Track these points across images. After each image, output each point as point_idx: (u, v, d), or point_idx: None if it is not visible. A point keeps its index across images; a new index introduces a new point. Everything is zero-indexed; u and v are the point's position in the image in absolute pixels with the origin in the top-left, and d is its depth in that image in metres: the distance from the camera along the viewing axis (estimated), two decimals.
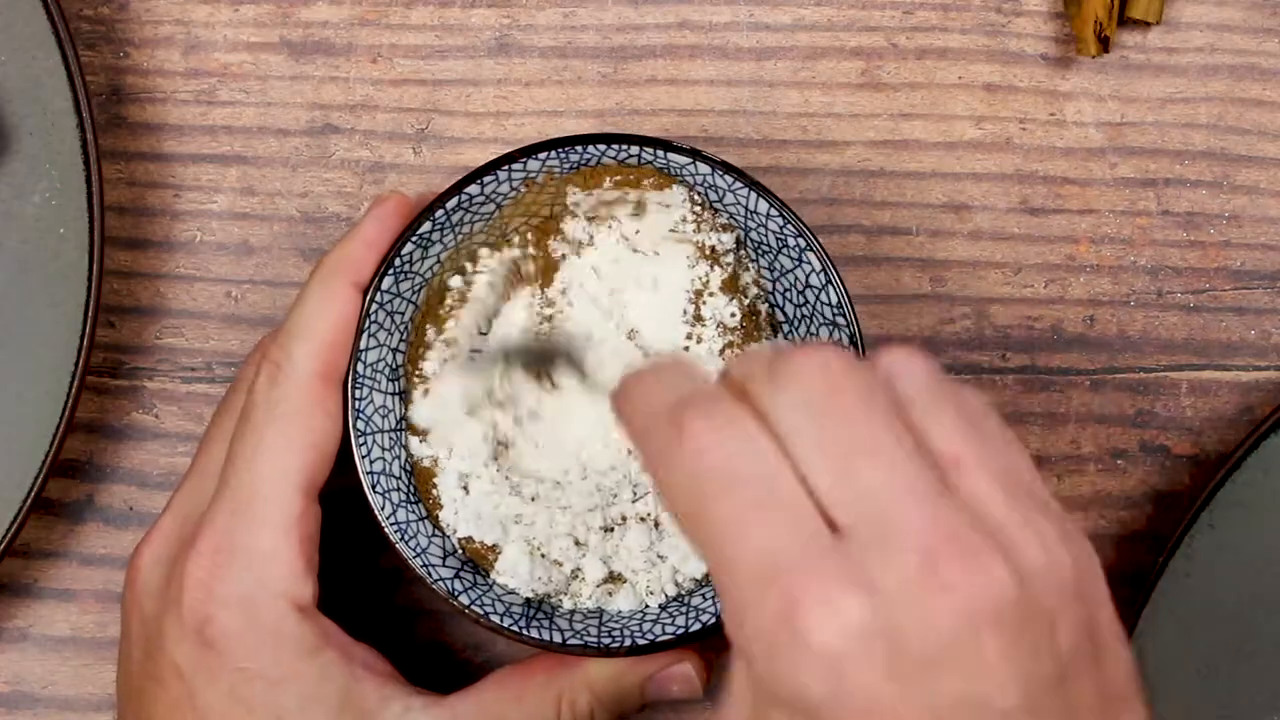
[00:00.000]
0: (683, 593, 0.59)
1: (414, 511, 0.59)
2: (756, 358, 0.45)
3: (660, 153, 0.58)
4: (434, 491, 0.59)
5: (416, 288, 0.59)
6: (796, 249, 0.58)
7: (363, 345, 0.58)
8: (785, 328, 0.61)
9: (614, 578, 0.59)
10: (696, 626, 0.58)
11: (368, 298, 0.57)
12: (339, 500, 0.59)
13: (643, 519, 0.60)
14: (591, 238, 0.60)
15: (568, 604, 0.59)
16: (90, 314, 0.61)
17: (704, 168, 0.58)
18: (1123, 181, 0.66)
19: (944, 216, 0.66)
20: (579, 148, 0.58)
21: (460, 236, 0.59)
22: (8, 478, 0.61)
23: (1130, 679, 0.45)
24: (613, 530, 0.59)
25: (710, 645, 0.64)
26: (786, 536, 0.42)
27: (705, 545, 0.44)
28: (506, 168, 0.58)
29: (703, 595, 0.59)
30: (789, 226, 0.58)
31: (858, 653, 0.41)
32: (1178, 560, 0.62)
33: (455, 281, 0.60)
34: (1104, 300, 0.66)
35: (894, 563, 0.42)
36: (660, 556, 0.60)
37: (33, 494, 0.61)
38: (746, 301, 0.60)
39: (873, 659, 0.41)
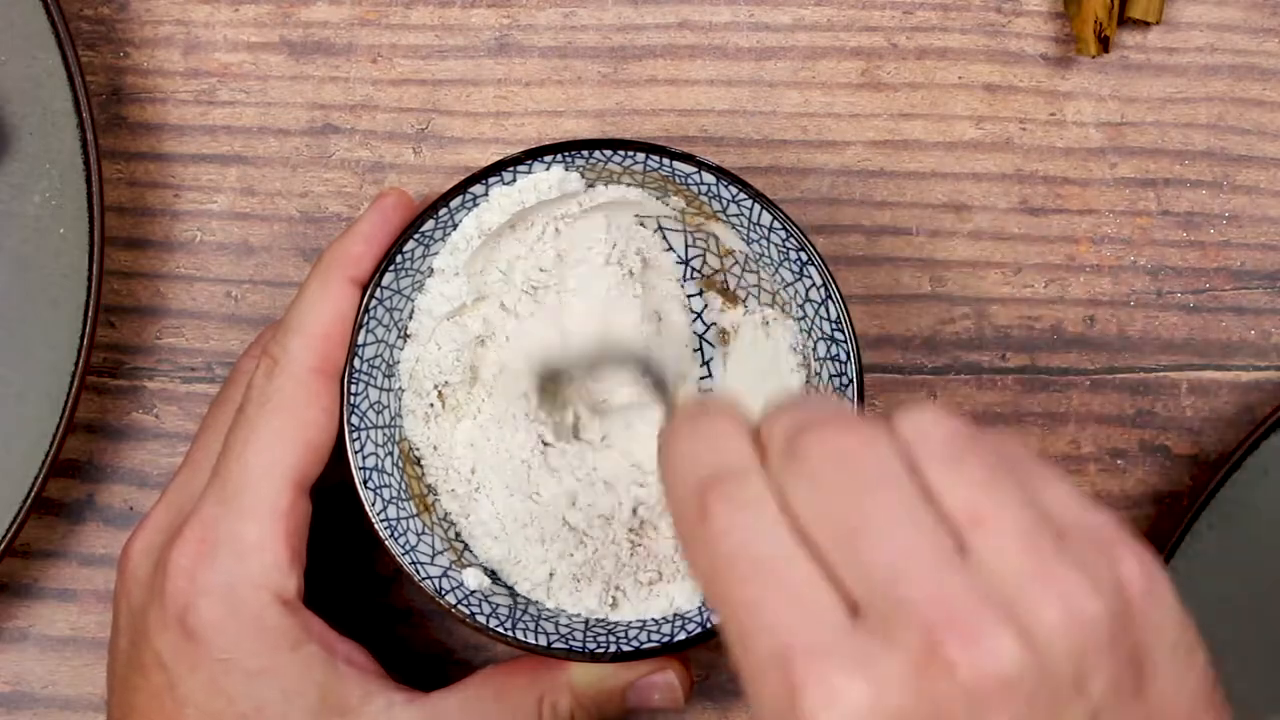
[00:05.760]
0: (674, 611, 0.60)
1: (405, 509, 0.59)
2: (781, 419, 0.44)
3: (665, 161, 0.58)
4: (425, 481, 0.60)
5: (416, 285, 0.59)
6: (798, 263, 0.58)
7: (360, 340, 0.58)
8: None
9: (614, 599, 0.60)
10: (681, 636, 0.58)
11: (367, 294, 0.58)
12: (339, 498, 0.59)
13: (636, 543, 0.60)
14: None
15: (553, 606, 0.59)
16: (90, 314, 0.61)
17: (708, 177, 0.58)
18: (1123, 181, 0.66)
19: (944, 216, 0.66)
20: (584, 152, 0.58)
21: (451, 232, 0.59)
22: (8, 478, 0.61)
23: (1195, 692, 0.43)
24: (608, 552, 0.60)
25: (694, 655, 0.65)
26: (798, 620, 0.42)
27: (726, 623, 0.43)
28: (512, 169, 0.58)
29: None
30: (791, 239, 0.58)
31: None
32: (1178, 560, 0.62)
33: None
34: (1104, 300, 0.66)
35: (898, 643, 0.41)
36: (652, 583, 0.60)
37: (33, 494, 0.61)
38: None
39: None
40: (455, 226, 0.59)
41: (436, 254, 0.59)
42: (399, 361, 0.60)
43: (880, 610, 0.41)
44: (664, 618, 0.59)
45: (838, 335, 0.58)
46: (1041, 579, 0.42)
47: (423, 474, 0.60)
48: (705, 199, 0.59)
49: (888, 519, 0.42)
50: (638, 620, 0.59)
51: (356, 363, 0.58)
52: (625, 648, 0.58)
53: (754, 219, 0.58)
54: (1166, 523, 0.65)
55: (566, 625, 0.58)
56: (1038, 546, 0.42)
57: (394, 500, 0.58)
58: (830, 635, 0.41)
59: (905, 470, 0.43)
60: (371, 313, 0.58)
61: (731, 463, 0.44)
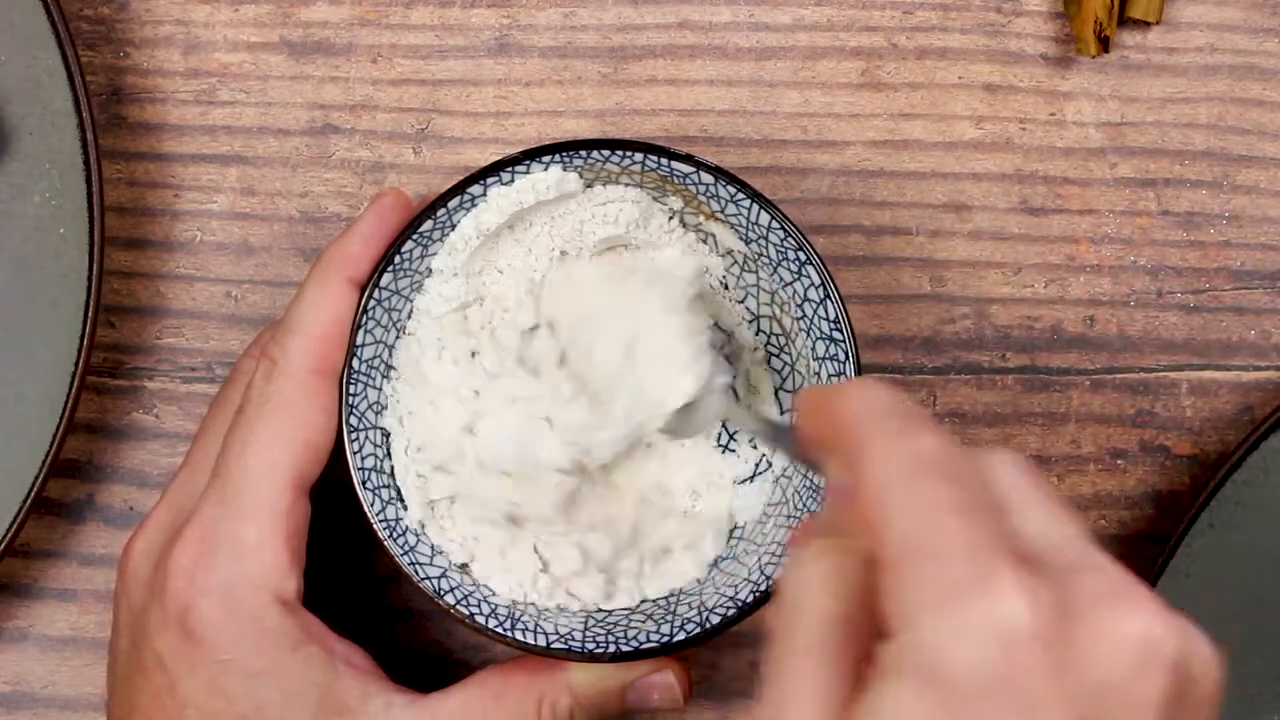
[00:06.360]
0: (670, 599, 0.60)
1: (404, 509, 0.59)
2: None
3: (664, 161, 0.58)
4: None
5: (415, 285, 0.59)
6: (797, 262, 0.58)
7: (359, 341, 0.58)
8: (781, 339, 0.61)
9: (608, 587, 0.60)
10: (681, 636, 0.58)
11: (366, 294, 0.58)
12: (339, 498, 0.59)
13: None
14: None
15: (553, 605, 0.59)
16: (90, 314, 0.61)
17: (707, 177, 0.58)
18: (1123, 181, 0.66)
19: (944, 216, 0.66)
20: (582, 152, 0.58)
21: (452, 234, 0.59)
22: (8, 478, 0.61)
23: None
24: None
25: (694, 655, 0.65)
26: (994, 536, 0.43)
27: (902, 516, 0.44)
28: (510, 170, 0.58)
29: (688, 605, 0.59)
30: (790, 239, 0.58)
31: (1028, 644, 0.42)
32: (1178, 560, 0.62)
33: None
34: (1104, 300, 0.66)
35: (1088, 586, 0.43)
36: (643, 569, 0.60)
37: (33, 494, 0.61)
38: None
39: (1040, 655, 0.42)
40: (453, 227, 0.59)
41: (435, 254, 0.59)
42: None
43: (1070, 561, 0.44)
44: (664, 596, 0.59)
45: (836, 335, 0.58)
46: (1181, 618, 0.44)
47: None
48: (704, 199, 0.59)
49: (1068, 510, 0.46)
50: (637, 620, 0.59)
51: (355, 363, 0.58)
52: (624, 648, 0.58)
53: (752, 219, 0.58)
54: (1166, 523, 0.65)
55: (566, 625, 0.58)
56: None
57: (393, 500, 0.58)
58: (1023, 558, 0.43)
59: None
60: (370, 313, 0.58)
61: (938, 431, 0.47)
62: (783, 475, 0.61)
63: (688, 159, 0.57)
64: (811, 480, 0.59)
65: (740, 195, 0.58)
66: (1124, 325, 0.66)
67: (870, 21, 0.66)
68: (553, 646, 0.57)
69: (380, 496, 0.58)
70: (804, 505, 0.59)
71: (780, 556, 0.59)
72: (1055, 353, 0.66)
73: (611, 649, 0.57)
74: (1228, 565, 0.63)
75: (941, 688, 0.41)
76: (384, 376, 0.59)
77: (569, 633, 0.58)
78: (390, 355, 0.59)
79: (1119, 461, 0.66)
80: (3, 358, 0.62)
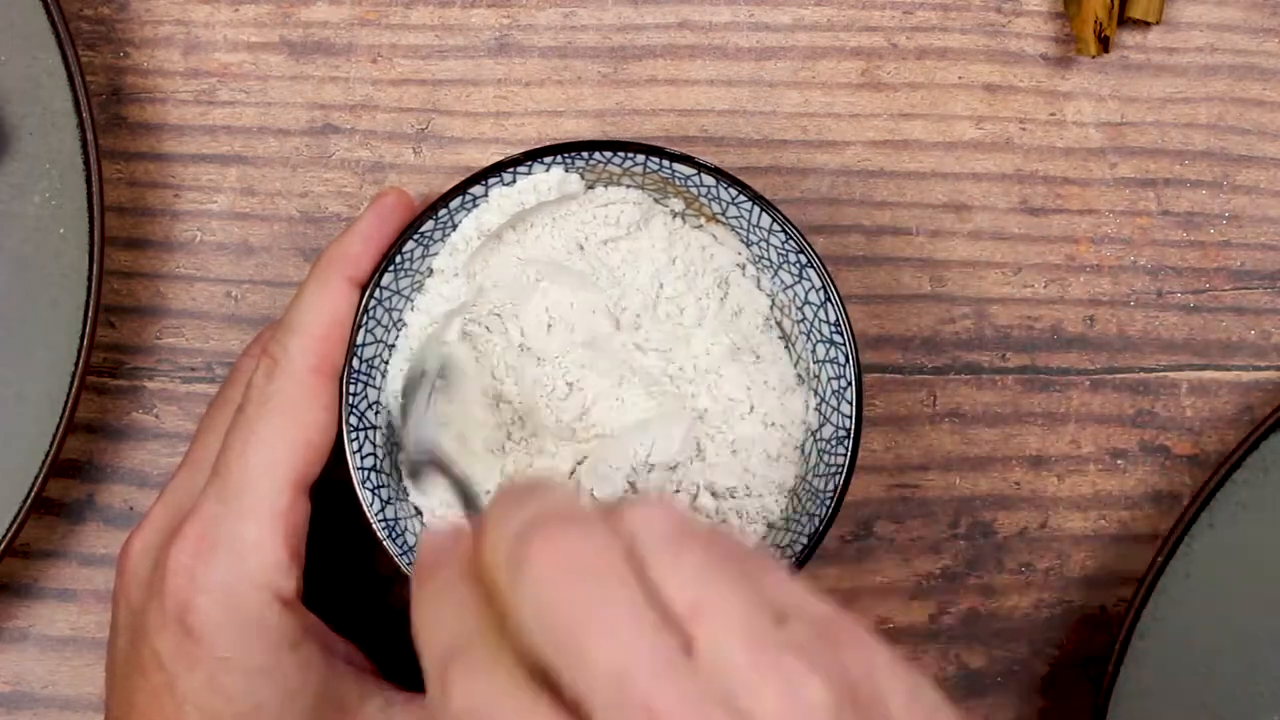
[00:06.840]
0: None
1: (403, 509, 0.59)
2: (504, 527, 0.44)
3: (665, 162, 0.58)
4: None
5: (416, 285, 0.59)
6: (797, 265, 0.58)
7: (359, 341, 0.58)
8: (781, 342, 0.61)
9: None
10: None
11: (366, 294, 0.58)
12: (339, 498, 0.59)
13: None
14: None
15: None
16: (90, 314, 0.61)
17: (708, 179, 0.58)
18: (1123, 181, 0.66)
19: (944, 216, 0.66)
20: (584, 153, 0.58)
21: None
22: (8, 478, 0.61)
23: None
24: None
25: None
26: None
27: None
28: (511, 170, 0.58)
29: None
30: (790, 242, 0.58)
31: None
32: (1178, 560, 0.62)
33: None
34: (1104, 300, 0.66)
35: None
36: None
37: (33, 494, 0.61)
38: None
39: None
40: (455, 227, 0.59)
41: (436, 254, 0.59)
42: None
43: (607, 716, 0.41)
44: None
45: (836, 338, 0.58)
46: (762, 667, 0.41)
47: None
48: (705, 200, 0.59)
49: (607, 624, 0.42)
50: None
51: (355, 363, 0.58)
52: None
53: (753, 221, 0.58)
54: (1166, 523, 0.65)
55: None
56: (758, 634, 0.42)
57: (393, 500, 0.58)
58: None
59: (627, 568, 0.42)
60: (370, 313, 0.58)
61: (459, 632, 0.44)
62: None
63: (689, 161, 0.57)
64: (811, 485, 0.59)
65: (741, 198, 0.58)
66: (1124, 325, 0.66)
67: (870, 21, 0.66)
68: None
69: (380, 496, 0.58)
70: (804, 506, 0.59)
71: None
72: (1055, 353, 0.66)
73: None
74: (1228, 565, 0.63)
75: None
76: (384, 376, 0.59)
77: None
78: (390, 355, 0.59)
79: (1119, 461, 0.66)
80: (3, 358, 0.62)
